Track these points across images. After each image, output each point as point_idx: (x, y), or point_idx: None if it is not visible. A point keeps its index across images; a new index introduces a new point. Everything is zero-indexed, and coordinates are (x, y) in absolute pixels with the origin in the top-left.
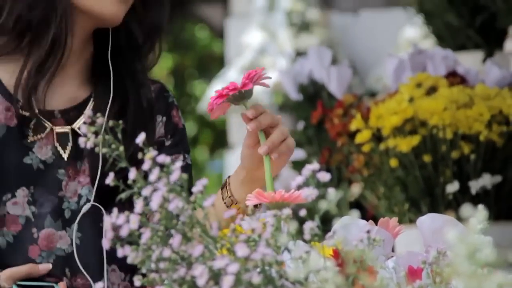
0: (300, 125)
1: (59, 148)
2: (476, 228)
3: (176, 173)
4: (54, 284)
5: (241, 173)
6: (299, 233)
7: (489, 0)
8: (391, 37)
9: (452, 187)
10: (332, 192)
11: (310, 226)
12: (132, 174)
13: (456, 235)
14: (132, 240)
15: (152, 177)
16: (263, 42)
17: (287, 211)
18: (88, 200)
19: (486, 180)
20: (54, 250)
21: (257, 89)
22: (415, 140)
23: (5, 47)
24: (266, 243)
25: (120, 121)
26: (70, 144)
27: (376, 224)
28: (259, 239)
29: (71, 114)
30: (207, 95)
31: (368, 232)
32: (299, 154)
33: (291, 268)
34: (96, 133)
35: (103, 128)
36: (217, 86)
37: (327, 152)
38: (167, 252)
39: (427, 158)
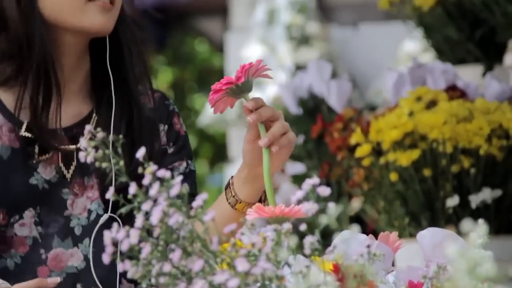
0: (300, 139)
1: (63, 168)
2: (477, 242)
3: (176, 188)
4: None
5: (243, 172)
6: (299, 248)
7: (488, 14)
8: (390, 51)
9: (452, 201)
10: (332, 207)
11: (310, 240)
12: (133, 188)
13: (457, 250)
14: (133, 254)
15: (152, 191)
16: (262, 55)
17: (287, 226)
18: (98, 215)
19: (486, 194)
20: (64, 269)
21: None
22: (415, 154)
23: (1, 75)
24: (266, 257)
25: (121, 136)
26: (74, 163)
27: (376, 239)
28: (259, 254)
29: (74, 131)
30: (207, 109)
31: (368, 246)
32: (299, 168)
33: (291, 282)
34: (97, 148)
35: (110, 143)
36: None
37: (327, 166)
38: (167, 267)
39: (427, 172)
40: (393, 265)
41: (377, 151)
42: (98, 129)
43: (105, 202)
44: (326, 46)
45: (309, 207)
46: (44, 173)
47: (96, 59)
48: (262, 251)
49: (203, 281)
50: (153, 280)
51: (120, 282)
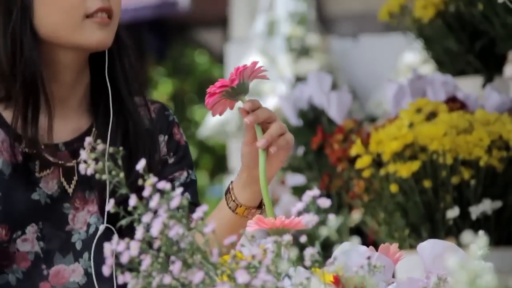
0: (300, 150)
1: (65, 183)
2: (477, 254)
3: (176, 200)
4: None
5: (242, 176)
6: (300, 259)
7: (488, 26)
8: (390, 63)
9: (453, 213)
10: (332, 218)
11: (310, 252)
12: (133, 200)
13: (457, 261)
14: (133, 266)
15: (153, 203)
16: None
17: (287, 237)
18: (97, 228)
19: (486, 206)
20: (66, 284)
21: None
22: (415, 165)
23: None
24: (266, 269)
25: (121, 148)
26: (75, 177)
27: (377, 250)
28: (260, 266)
29: (75, 145)
30: (207, 120)
31: (368, 258)
32: (299, 179)
33: None
34: (97, 160)
35: (106, 155)
36: None
37: (327, 177)
38: (167, 279)
39: (427, 184)
40: (393, 276)
41: (377, 163)
42: (98, 141)
43: (103, 215)
44: (326, 57)
45: (310, 219)
46: (47, 188)
47: (96, 72)
48: (262, 263)
49: None
50: None
51: None
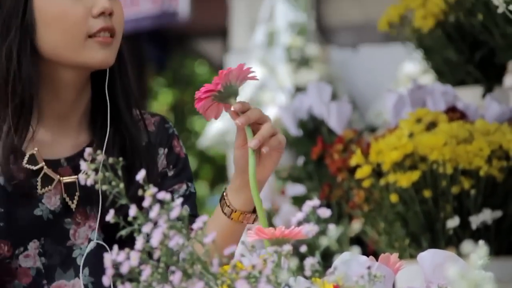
0: (300, 160)
1: (67, 199)
2: (477, 263)
3: (176, 210)
4: None
5: (236, 180)
6: (300, 269)
7: (488, 36)
8: (390, 73)
9: (453, 222)
10: (332, 228)
11: (310, 262)
12: (133, 211)
13: (457, 271)
14: (133, 277)
15: (153, 214)
16: (262, 77)
17: (287, 247)
18: (98, 244)
19: (486, 215)
20: None
21: None
22: (415, 175)
23: None
24: (266, 279)
25: (121, 158)
26: (77, 193)
27: (377, 260)
28: (260, 276)
29: (76, 160)
30: (207, 130)
31: (368, 268)
32: (299, 189)
33: None
34: (97, 171)
35: (100, 167)
36: (216, 121)
37: (327, 187)
38: None
39: (427, 194)
40: (394, 286)
41: (377, 173)
42: (98, 151)
43: (104, 230)
44: (326, 68)
45: (310, 229)
46: (49, 204)
47: (96, 88)
48: (262, 273)
49: None
50: None
51: None
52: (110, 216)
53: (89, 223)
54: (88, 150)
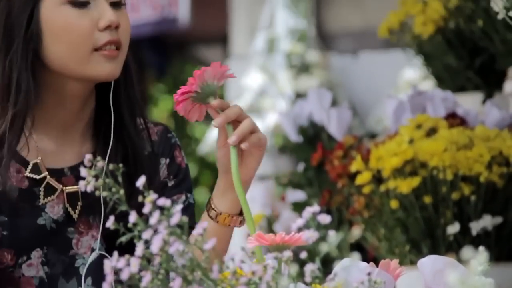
0: (300, 167)
1: (70, 209)
2: (477, 269)
3: (176, 216)
4: None
5: (220, 183)
6: (300, 276)
7: (488, 42)
8: (390, 79)
9: (453, 228)
10: (332, 234)
11: (311, 268)
12: (133, 217)
13: (457, 277)
14: (133, 283)
15: (153, 220)
16: (262, 83)
17: (287, 254)
18: (100, 254)
19: (486, 221)
20: None
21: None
22: (415, 181)
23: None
24: (267, 285)
25: (121, 165)
26: (80, 202)
27: (377, 266)
28: (260, 282)
29: (79, 169)
30: (207, 137)
31: (369, 274)
32: (299, 195)
33: None
34: (97, 177)
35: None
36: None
37: (328, 193)
38: None
39: (427, 200)
40: None
41: (378, 179)
42: (98, 158)
43: (106, 240)
44: (326, 74)
45: (310, 235)
46: (52, 213)
47: (100, 98)
48: (262, 279)
49: None
50: None
51: None
52: (110, 223)
53: (92, 232)
54: (88, 156)
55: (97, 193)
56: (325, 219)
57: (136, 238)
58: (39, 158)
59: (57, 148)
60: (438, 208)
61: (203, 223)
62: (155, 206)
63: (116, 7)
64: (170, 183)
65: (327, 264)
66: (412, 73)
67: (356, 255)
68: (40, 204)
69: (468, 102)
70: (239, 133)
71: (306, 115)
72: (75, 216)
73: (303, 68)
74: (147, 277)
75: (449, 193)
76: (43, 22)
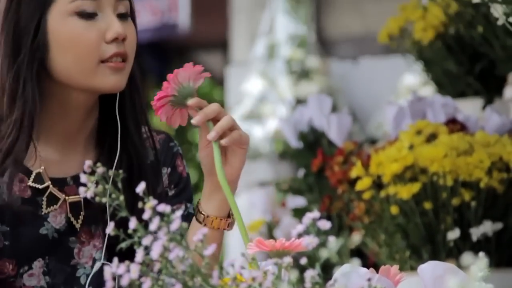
0: (301, 172)
1: (72, 219)
2: (477, 275)
3: (176, 222)
4: None
5: (206, 185)
6: (300, 282)
7: (488, 48)
8: (390, 85)
9: (453, 234)
10: (332, 240)
11: (311, 274)
12: (133, 223)
13: (458, 283)
14: None
15: (153, 226)
16: (263, 89)
17: (287, 259)
18: (102, 265)
19: (487, 227)
20: None
21: (257, 137)
22: (415, 187)
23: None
24: None
25: (121, 171)
26: (82, 212)
27: (377, 272)
28: None
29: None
30: None
31: (369, 280)
32: (299, 201)
33: None
34: (97, 183)
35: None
36: None
37: (328, 199)
38: None
39: (427, 205)
40: None
41: (378, 185)
42: (98, 164)
43: (108, 250)
44: (326, 80)
45: (310, 241)
46: (54, 223)
47: (104, 107)
48: (262, 285)
49: None
50: None
51: None
52: (110, 229)
53: (94, 242)
54: (88, 162)
55: (97, 199)
56: (325, 225)
57: (136, 244)
58: (42, 167)
59: (60, 158)
60: (438, 214)
61: (203, 229)
62: (155, 212)
63: (122, 18)
64: (171, 193)
65: (327, 270)
66: (412, 78)
67: (356, 261)
68: (42, 213)
69: (468, 108)
70: (217, 129)
71: (306, 121)
72: (77, 226)
73: (303, 74)
74: (147, 283)
75: (449, 199)
76: (50, 33)
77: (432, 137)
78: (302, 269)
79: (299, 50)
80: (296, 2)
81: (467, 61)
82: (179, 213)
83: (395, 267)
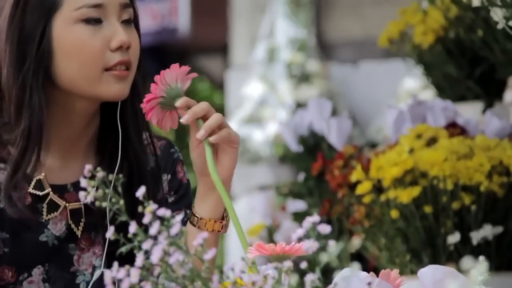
0: (301, 176)
1: (73, 226)
2: (478, 279)
3: (176, 227)
4: None
5: (199, 187)
6: (300, 286)
7: (488, 52)
8: (390, 88)
9: (453, 238)
10: (333, 244)
11: (311, 278)
12: (133, 227)
13: (458, 287)
14: None
15: (153, 230)
16: (263, 93)
17: (288, 264)
18: (102, 273)
19: (487, 231)
20: None
21: (257, 140)
22: (415, 191)
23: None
24: None
25: (121, 175)
26: (83, 219)
27: (378, 276)
28: None
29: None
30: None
31: (369, 284)
32: (299, 205)
33: None
34: (97, 188)
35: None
36: None
37: (328, 203)
38: None
39: (428, 209)
40: None
41: (378, 188)
42: (98, 168)
43: (108, 257)
44: (326, 83)
45: (310, 245)
46: (55, 229)
47: (106, 114)
48: None
49: None
50: None
51: None
52: (110, 233)
53: (93, 249)
54: (88, 167)
55: (97, 203)
56: (326, 229)
57: (136, 248)
58: (43, 174)
59: (61, 165)
60: (439, 217)
61: (203, 234)
62: (155, 216)
63: (126, 25)
64: (170, 199)
65: (327, 274)
66: (412, 82)
67: (356, 265)
68: (43, 220)
69: (468, 112)
70: (206, 127)
71: (306, 124)
72: (78, 232)
73: (303, 78)
74: (147, 287)
75: (450, 202)
76: (55, 40)
77: (432, 141)
78: (302, 273)
79: (299, 54)
80: (296, 6)
81: (467, 65)
82: (179, 217)
83: (395, 271)
